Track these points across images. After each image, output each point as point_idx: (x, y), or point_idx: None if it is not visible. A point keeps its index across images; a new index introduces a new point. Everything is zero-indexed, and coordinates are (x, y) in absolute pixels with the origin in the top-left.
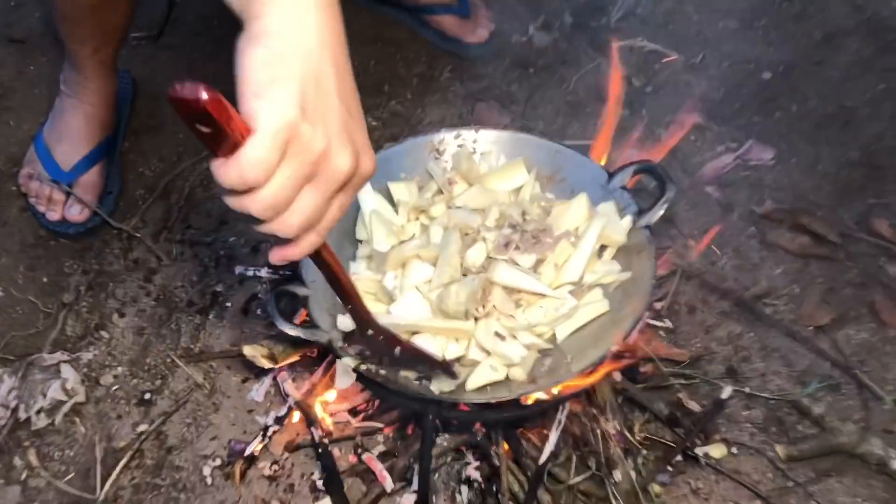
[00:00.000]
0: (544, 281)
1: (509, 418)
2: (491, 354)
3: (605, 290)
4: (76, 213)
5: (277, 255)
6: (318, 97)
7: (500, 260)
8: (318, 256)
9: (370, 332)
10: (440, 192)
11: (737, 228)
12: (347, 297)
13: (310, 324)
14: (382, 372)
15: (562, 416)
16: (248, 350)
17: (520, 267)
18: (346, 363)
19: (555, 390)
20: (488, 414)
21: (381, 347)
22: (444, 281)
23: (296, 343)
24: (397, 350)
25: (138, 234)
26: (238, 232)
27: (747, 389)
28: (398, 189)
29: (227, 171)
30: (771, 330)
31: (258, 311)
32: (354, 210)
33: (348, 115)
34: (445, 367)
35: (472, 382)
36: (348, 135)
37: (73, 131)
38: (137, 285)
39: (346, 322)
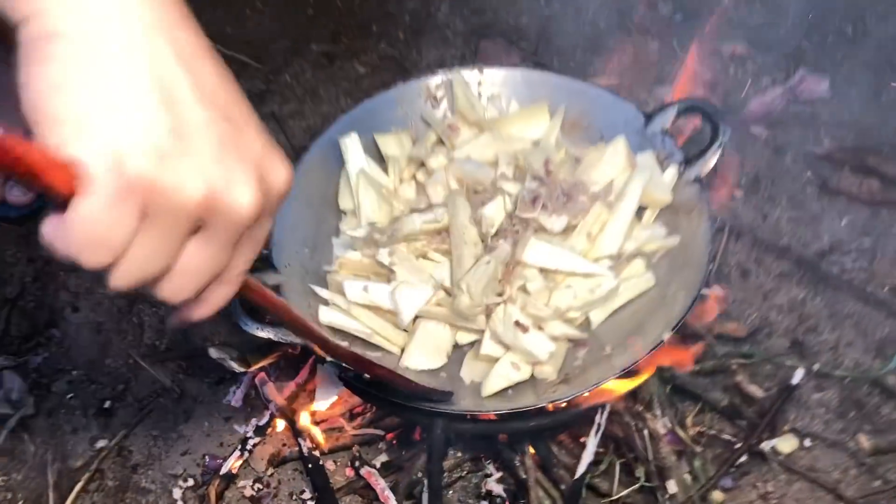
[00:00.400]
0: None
1: (537, 428)
2: (511, 349)
3: (647, 261)
4: (19, 195)
5: (178, 319)
6: (172, 116)
7: (526, 220)
8: (243, 299)
9: (335, 361)
10: (440, 142)
11: (791, 174)
12: (298, 332)
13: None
14: None
15: (601, 418)
16: (214, 352)
17: (553, 239)
18: (332, 369)
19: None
20: (510, 424)
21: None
22: (467, 267)
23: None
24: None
25: None
26: None
27: (817, 366)
28: (387, 142)
29: (57, 238)
30: (840, 293)
31: None
32: (336, 173)
33: (228, 124)
34: (436, 396)
35: (489, 387)
36: (237, 154)
37: (10, 104)
38: (92, 276)
39: (329, 315)
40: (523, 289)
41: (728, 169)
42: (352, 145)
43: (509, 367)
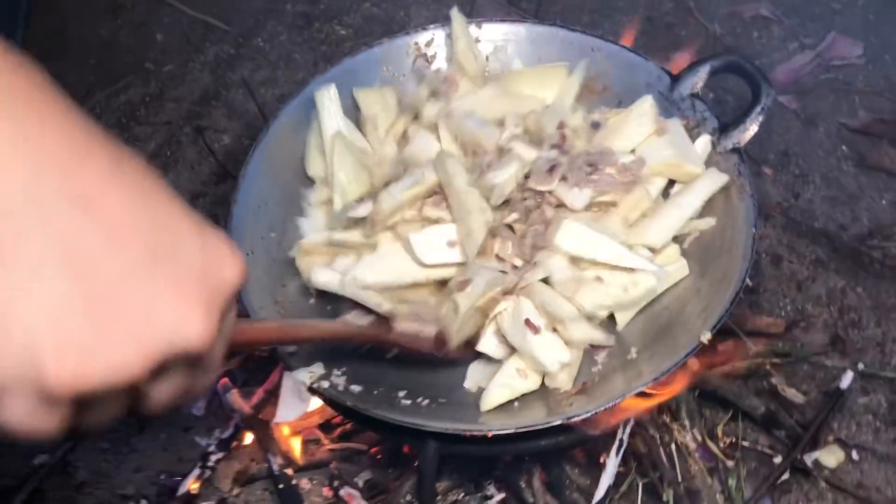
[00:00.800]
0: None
1: (547, 447)
2: (517, 353)
3: (679, 247)
4: None
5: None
6: (85, 282)
7: (541, 194)
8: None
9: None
10: (434, 95)
11: (824, 148)
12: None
13: (244, 316)
14: (355, 389)
15: (624, 434)
16: None
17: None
18: (300, 379)
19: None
20: (516, 444)
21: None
22: (479, 240)
23: None
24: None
25: None
26: (169, 182)
27: (862, 366)
28: (368, 99)
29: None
30: (883, 281)
31: None
32: (303, 138)
33: (157, 246)
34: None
35: (490, 399)
36: (173, 277)
37: None
38: None
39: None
40: (560, 287)
41: (754, 144)
42: (328, 101)
43: (514, 375)
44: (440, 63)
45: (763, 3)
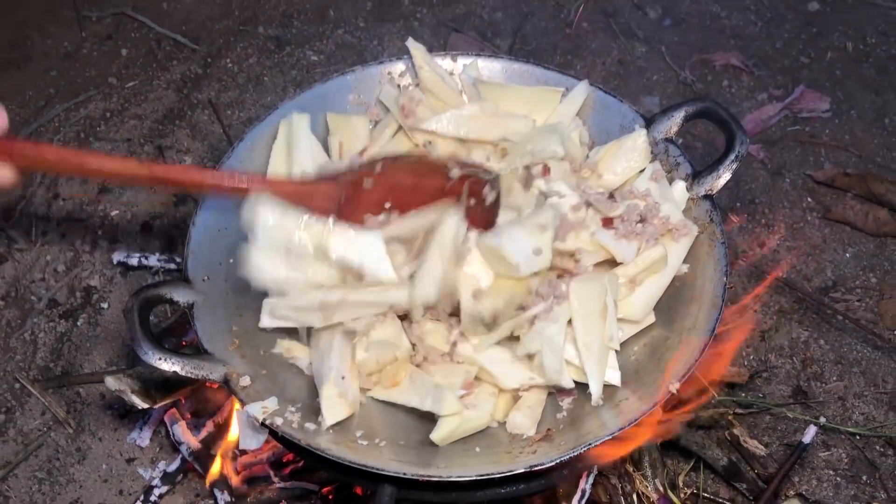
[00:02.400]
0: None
1: (508, 495)
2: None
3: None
4: None
5: None
6: None
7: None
8: None
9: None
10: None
11: (790, 199)
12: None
13: (197, 349)
14: (310, 427)
15: (587, 483)
16: (112, 383)
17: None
18: (252, 413)
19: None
20: (476, 492)
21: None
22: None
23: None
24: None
25: None
26: (125, 202)
27: (823, 420)
28: (339, 124)
29: None
30: (845, 335)
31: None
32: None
33: None
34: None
35: (442, 432)
36: None
37: None
38: None
39: (280, 303)
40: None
41: (720, 192)
42: (302, 130)
43: (464, 407)
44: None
45: (734, 52)
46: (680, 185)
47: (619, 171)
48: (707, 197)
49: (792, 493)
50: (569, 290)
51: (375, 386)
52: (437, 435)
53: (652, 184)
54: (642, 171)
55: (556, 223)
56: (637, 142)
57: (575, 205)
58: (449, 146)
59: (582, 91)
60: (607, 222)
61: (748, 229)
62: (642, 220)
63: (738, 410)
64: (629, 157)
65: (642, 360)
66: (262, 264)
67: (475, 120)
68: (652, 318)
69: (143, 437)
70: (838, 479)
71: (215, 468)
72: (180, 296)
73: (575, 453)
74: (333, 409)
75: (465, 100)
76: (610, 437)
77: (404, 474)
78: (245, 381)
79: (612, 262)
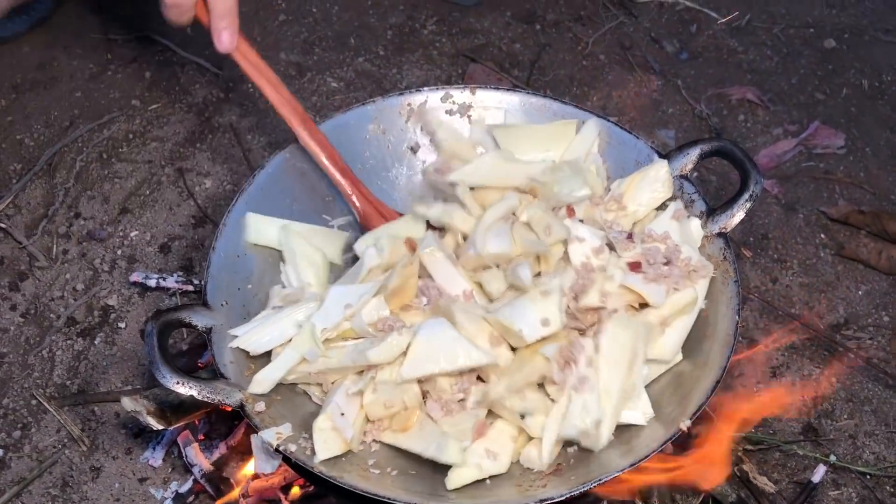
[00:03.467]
0: None
1: None
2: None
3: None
4: None
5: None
6: None
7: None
8: None
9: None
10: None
11: (803, 235)
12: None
13: (214, 374)
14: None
15: None
16: (128, 403)
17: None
18: (267, 440)
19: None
20: None
21: None
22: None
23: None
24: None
25: (4, 224)
26: (144, 223)
27: (833, 459)
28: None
29: None
30: (857, 373)
31: None
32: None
33: None
34: None
35: (454, 480)
36: None
37: None
38: None
39: (267, 376)
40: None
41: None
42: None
43: (483, 456)
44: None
45: (750, 87)
46: (695, 223)
47: (644, 201)
48: (721, 235)
49: None
50: (601, 331)
51: (384, 432)
52: (451, 482)
53: (673, 223)
54: (664, 205)
55: (564, 286)
56: (660, 172)
57: (596, 248)
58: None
59: (593, 127)
60: (635, 266)
61: (760, 263)
62: (668, 263)
63: (748, 447)
64: (653, 187)
65: (654, 397)
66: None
67: (497, 167)
68: (679, 357)
69: (155, 458)
70: None
71: (228, 490)
72: (199, 320)
73: (586, 488)
74: (326, 442)
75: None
76: (620, 472)
77: None
78: (260, 406)
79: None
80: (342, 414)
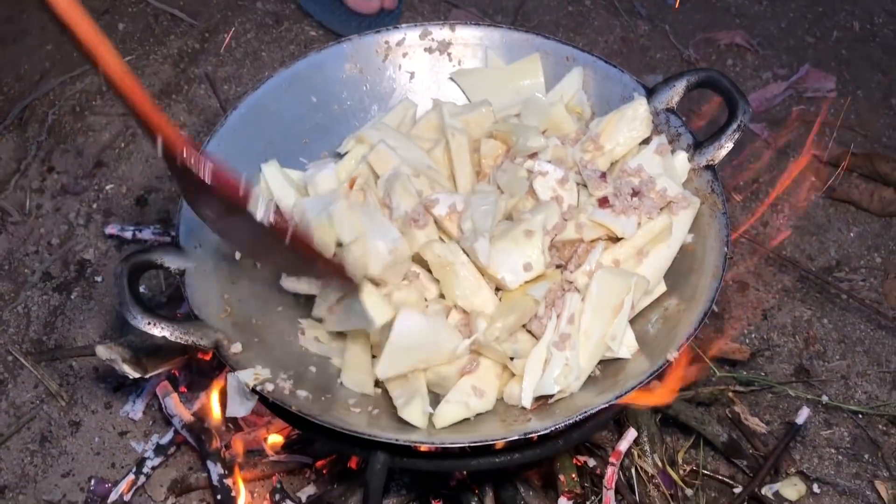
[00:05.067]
0: None
1: (502, 464)
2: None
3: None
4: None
5: None
6: None
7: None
8: None
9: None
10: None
11: (794, 179)
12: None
13: (188, 316)
14: (301, 394)
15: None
16: (102, 351)
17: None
18: (244, 379)
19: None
20: (470, 460)
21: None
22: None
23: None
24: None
25: None
26: (120, 176)
27: (825, 399)
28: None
29: None
30: (849, 314)
31: (141, 289)
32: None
33: None
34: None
35: (443, 417)
36: None
37: None
38: None
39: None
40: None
41: (723, 170)
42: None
43: (469, 394)
44: (414, 56)
45: (739, 31)
46: (681, 157)
47: (622, 140)
48: (709, 167)
49: (793, 470)
50: (589, 284)
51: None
52: (438, 419)
53: (656, 157)
54: (645, 141)
55: (547, 224)
56: (638, 111)
57: (560, 179)
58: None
59: (577, 77)
60: (603, 202)
61: (751, 208)
62: (637, 194)
63: (739, 388)
64: (631, 126)
65: (640, 330)
66: None
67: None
68: (663, 288)
69: (135, 411)
70: (840, 457)
71: (210, 440)
72: (172, 262)
73: (570, 421)
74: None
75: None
76: (605, 405)
77: (397, 440)
78: (236, 347)
79: (614, 240)
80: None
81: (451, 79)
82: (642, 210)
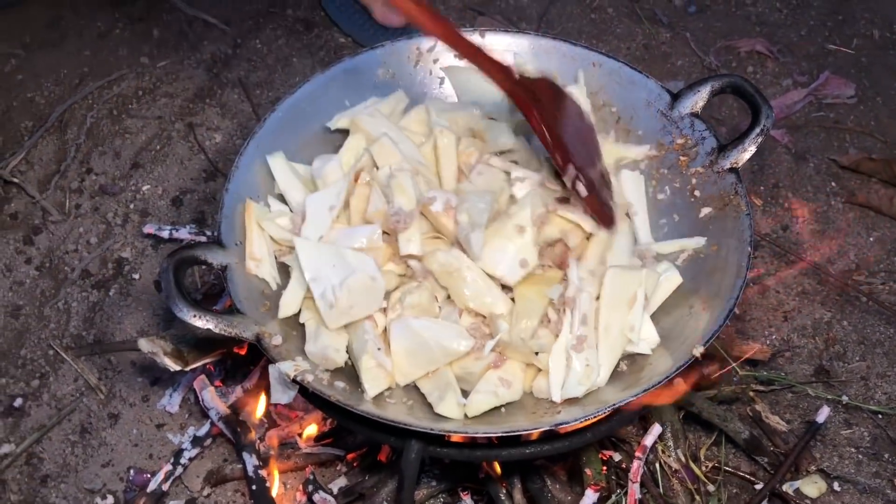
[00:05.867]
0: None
1: (531, 455)
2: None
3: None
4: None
5: None
6: None
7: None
8: None
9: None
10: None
11: (814, 184)
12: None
13: (230, 309)
14: (339, 385)
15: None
16: (145, 345)
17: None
18: (284, 371)
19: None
20: (499, 450)
21: None
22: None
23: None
24: None
25: (17, 180)
26: (156, 178)
27: (846, 399)
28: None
29: None
30: (868, 316)
31: None
32: (305, 137)
33: None
34: None
35: (474, 407)
36: None
37: None
38: (14, 248)
39: (289, 303)
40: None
41: (745, 175)
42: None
43: (497, 384)
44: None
45: (759, 39)
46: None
47: None
48: (732, 170)
49: (813, 468)
50: (605, 276)
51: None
52: (470, 409)
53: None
54: None
55: (532, 218)
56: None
57: (536, 181)
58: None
59: (581, 93)
60: (563, 201)
61: (771, 212)
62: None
63: (760, 387)
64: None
65: (666, 327)
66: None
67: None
68: (678, 280)
69: (172, 404)
70: (860, 456)
71: (245, 432)
72: (214, 258)
73: (599, 413)
74: (375, 380)
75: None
76: (633, 398)
77: (431, 430)
78: (277, 340)
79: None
80: (379, 349)
81: (442, 71)
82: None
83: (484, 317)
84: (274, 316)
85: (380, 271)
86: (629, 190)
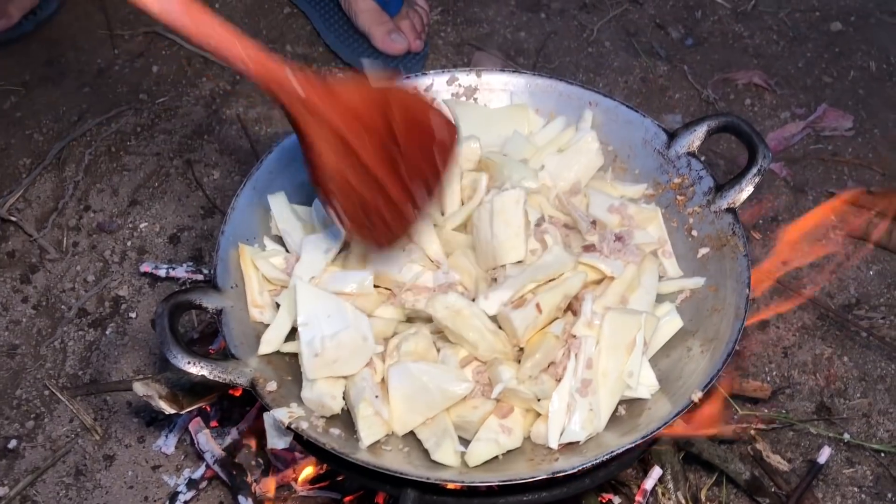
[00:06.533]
0: None
1: (530, 503)
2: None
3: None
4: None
5: None
6: None
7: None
8: None
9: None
10: None
11: (813, 217)
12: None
13: (224, 354)
14: (335, 432)
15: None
16: (140, 388)
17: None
18: (279, 418)
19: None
20: (498, 498)
21: None
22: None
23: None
24: None
25: (14, 218)
26: (154, 215)
27: (847, 437)
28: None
29: None
30: (869, 352)
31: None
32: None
33: None
34: None
35: (475, 456)
36: None
37: None
38: (11, 287)
39: (270, 340)
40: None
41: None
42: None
43: (498, 431)
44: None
45: (756, 71)
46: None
47: (573, 170)
48: (730, 210)
49: None
50: (603, 319)
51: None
52: (471, 458)
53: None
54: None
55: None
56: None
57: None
58: None
59: (590, 138)
60: (589, 248)
61: (770, 246)
62: (619, 240)
63: (761, 426)
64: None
65: (665, 370)
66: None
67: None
68: (679, 324)
69: (168, 445)
70: (863, 495)
71: (240, 476)
72: (209, 302)
73: (598, 461)
74: (371, 428)
75: None
76: (631, 445)
77: (427, 479)
78: (271, 386)
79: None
80: (376, 396)
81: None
82: (625, 254)
83: (483, 362)
84: (269, 361)
85: (371, 331)
86: (653, 227)
